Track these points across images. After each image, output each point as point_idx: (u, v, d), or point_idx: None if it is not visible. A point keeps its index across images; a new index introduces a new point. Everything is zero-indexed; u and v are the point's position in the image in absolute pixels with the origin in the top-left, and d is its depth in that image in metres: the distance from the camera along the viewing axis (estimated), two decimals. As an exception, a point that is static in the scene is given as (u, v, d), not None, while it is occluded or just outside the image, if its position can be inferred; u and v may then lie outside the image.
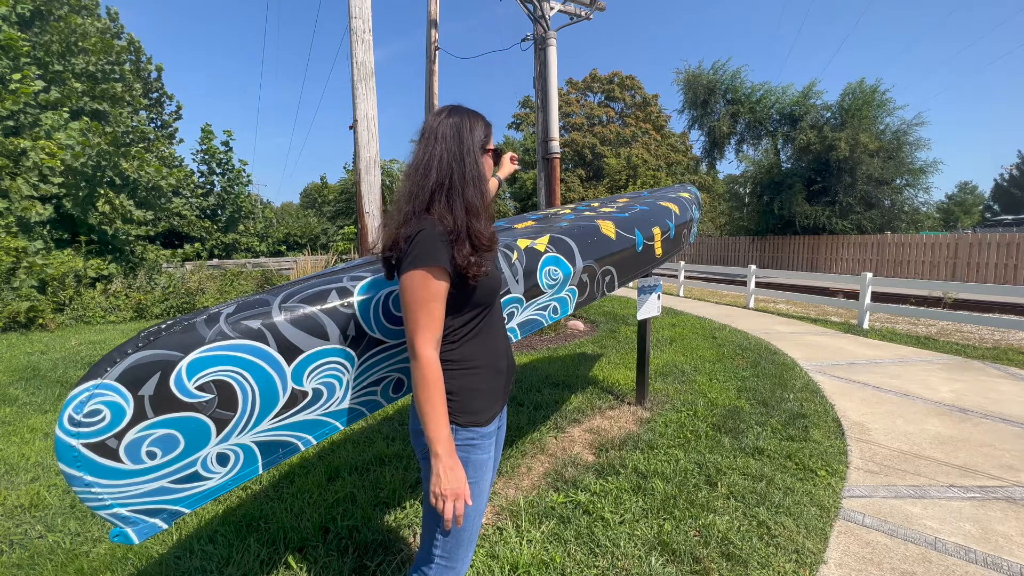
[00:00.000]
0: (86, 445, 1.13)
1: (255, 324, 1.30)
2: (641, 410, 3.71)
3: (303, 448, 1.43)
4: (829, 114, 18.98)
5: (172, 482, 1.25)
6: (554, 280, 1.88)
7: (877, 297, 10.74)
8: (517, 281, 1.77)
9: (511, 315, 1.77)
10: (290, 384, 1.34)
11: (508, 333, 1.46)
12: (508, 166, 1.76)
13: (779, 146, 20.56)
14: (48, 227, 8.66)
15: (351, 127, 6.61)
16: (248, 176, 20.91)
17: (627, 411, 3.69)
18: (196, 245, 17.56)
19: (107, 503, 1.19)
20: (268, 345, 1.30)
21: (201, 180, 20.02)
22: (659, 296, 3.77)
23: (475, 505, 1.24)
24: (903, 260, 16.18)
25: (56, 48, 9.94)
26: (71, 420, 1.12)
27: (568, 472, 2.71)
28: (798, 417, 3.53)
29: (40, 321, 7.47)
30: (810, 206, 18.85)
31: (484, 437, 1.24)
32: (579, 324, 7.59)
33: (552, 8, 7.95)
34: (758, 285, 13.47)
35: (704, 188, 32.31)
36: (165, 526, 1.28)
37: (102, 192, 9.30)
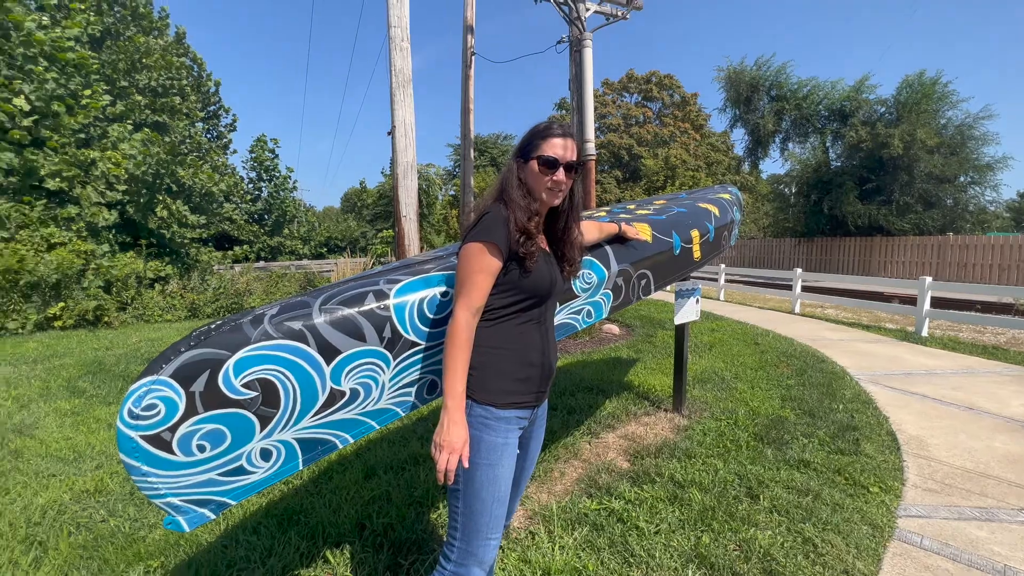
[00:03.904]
0: (143, 437, 1.21)
1: (297, 325, 1.34)
2: (678, 417, 3.61)
3: (340, 446, 1.47)
4: (883, 109, 17.94)
5: (220, 475, 1.31)
6: (588, 284, 1.86)
7: (938, 303, 10.03)
8: (551, 284, 1.76)
9: (544, 319, 1.76)
10: (329, 384, 1.38)
11: (554, 332, 1.48)
12: (630, 232, 2.05)
13: (828, 143, 19.59)
14: (113, 231, 9.32)
15: (389, 133, 6.78)
16: (293, 182, 21.82)
17: (663, 418, 3.60)
18: (244, 247, 18.43)
19: (161, 492, 1.26)
20: (308, 346, 1.34)
21: (250, 186, 21.03)
22: (698, 300, 3.66)
23: (490, 491, 1.27)
24: (968, 263, 15.07)
25: (122, 66, 10.70)
26: (130, 413, 1.19)
27: (602, 478, 2.67)
28: (848, 429, 3.35)
29: (105, 319, 8.04)
30: (863, 205, 17.86)
31: (499, 420, 1.28)
32: (614, 328, 7.48)
33: (588, 9, 7.89)
34: (805, 289, 12.86)
35: (746, 188, 31.21)
36: (213, 516, 1.34)
37: (160, 198, 9.93)
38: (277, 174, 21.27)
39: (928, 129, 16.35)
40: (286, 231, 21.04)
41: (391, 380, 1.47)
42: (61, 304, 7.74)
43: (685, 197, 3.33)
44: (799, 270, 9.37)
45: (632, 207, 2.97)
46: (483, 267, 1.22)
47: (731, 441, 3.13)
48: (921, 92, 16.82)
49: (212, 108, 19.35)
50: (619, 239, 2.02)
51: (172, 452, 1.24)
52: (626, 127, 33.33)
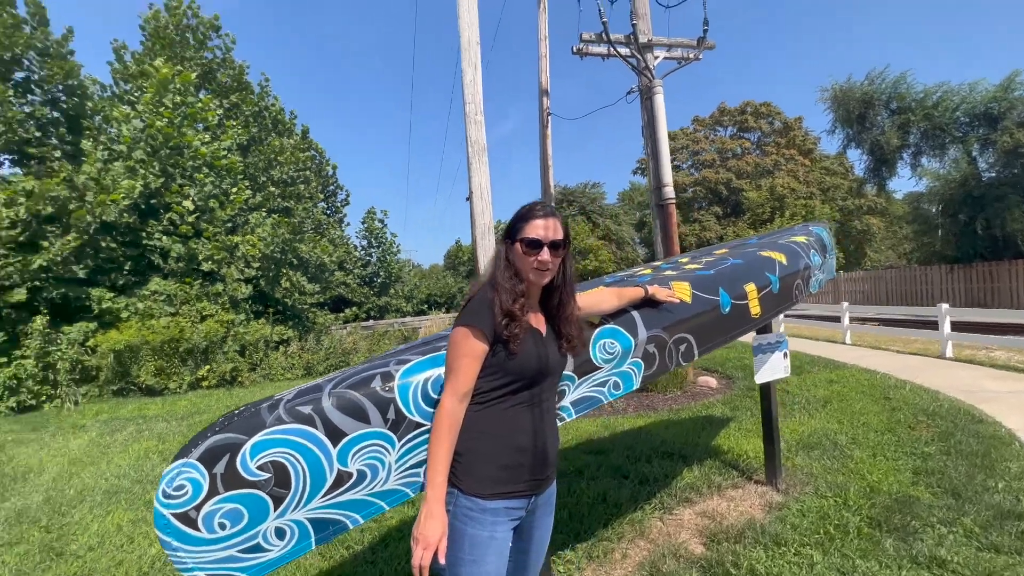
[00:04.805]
0: (174, 515, 1.34)
1: (306, 409, 1.44)
2: (771, 492, 3.12)
3: (351, 526, 1.50)
4: (1045, 105, 15.03)
5: (239, 551, 1.40)
6: (611, 354, 1.75)
7: None
8: (566, 357, 1.68)
9: (562, 393, 1.68)
10: (336, 465, 1.43)
11: (554, 416, 1.42)
12: (661, 294, 1.89)
13: (974, 153, 16.76)
14: (248, 302, 10.96)
15: (467, 199, 7.25)
16: (398, 247, 24.10)
17: (753, 492, 3.13)
18: (355, 308, 20.43)
19: (189, 566, 1.38)
20: (316, 429, 1.42)
21: (362, 252, 23.61)
22: (786, 355, 3.24)
23: None
24: None
25: (261, 165, 12.98)
26: (164, 493, 1.34)
27: (667, 565, 2.36)
28: (1010, 517, 2.61)
29: (239, 379, 9.32)
30: (1034, 221, 14.73)
31: (484, 512, 1.22)
32: (712, 380, 6.84)
33: (656, 58, 7.90)
34: (957, 327, 10.46)
35: (875, 211, 27.71)
36: (236, 592, 1.43)
37: (284, 272, 11.53)
38: (385, 240, 23.71)
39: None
40: (392, 291, 23.01)
41: (397, 461, 1.49)
42: (207, 367, 9.17)
43: (753, 243, 3.03)
44: (944, 305, 7.87)
45: (684, 260, 2.78)
46: (467, 351, 1.23)
47: (836, 526, 2.61)
48: (1097, 79, 13.87)
49: (330, 188, 22.40)
50: (650, 303, 1.89)
51: (198, 529, 1.36)
52: (722, 161, 31.80)
